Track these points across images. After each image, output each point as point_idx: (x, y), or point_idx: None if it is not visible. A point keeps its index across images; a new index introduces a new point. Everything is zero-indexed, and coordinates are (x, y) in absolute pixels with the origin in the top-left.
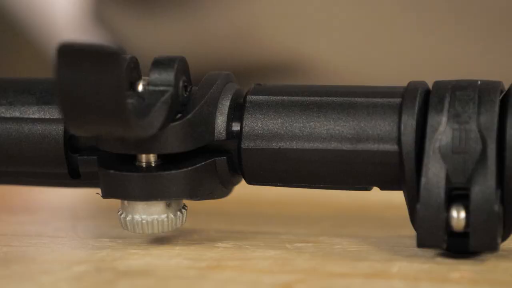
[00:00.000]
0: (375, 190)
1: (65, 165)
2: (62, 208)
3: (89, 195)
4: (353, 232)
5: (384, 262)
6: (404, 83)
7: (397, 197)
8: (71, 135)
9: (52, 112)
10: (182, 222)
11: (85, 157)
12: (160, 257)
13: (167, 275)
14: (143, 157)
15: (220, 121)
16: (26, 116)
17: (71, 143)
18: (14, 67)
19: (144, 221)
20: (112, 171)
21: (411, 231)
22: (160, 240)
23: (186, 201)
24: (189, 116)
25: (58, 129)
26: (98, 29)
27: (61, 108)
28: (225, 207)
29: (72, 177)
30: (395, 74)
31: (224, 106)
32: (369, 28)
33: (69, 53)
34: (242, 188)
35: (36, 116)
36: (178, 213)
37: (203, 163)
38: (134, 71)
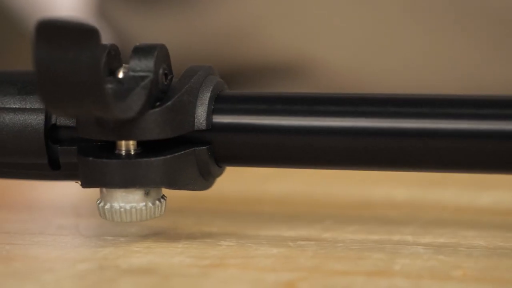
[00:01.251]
0: (377, 187)
1: (45, 155)
2: (65, 206)
3: (92, 193)
4: (355, 230)
5: (387, 260)
6: (405, 85)
7: (400, 194)
8: (52, 125)
9: (33, 102)
10: (160, 211)
11: (65, 147)
12: (162, 255)
13: (169, 273)
14: (123, 145)
15: (201, 110)
16: (7, 106)
17: (52, 134)
18: (15, 64)
19: (122, 209)
20: (91, 158)
21: (413, 229)
22: (163, 238)
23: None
24: (168, 103)
25: (38, 119)
26: (101, 25)
27: (37, 86)
28: (227, 205)
29: (52, 168)
30: (396, 75)
31: (205, 97)
32: (371, 29)
33: (47, 29)
34: (244, 187)
35: (17, 106)
36: (157, 202)
37: (182, 152)
38: (115, 58)
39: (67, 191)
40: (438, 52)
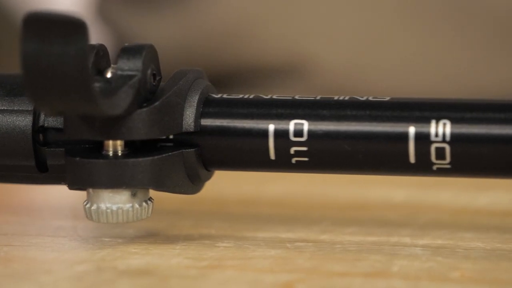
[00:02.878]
0: (375, 189)
1: (32, 157)
2: (63, 208)
3: None
4: (353, 232)
5: (385, 261)
6: (403, 86)
7: (397, 196)
8: (40, 126)
9: (21, 104)
10: (147, 213)
11: (52, 149)
12: (160, 256)
13: (167, 274)
14: (110, 145)
15: (189, 113)
16: None
17: (39, 136)
18: (14, 65)
19: (108, 210)
20: (78, 159)
21: (411, 230)
22: (161, 239)
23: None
24: (156, 103)
25: (26, 120)
26: (101, 25)
27: (24, 80)
28: (225, 207)
29: (40, 170)
30: (392, 76)
31: (193, 99)
32: (367, 29)
33: (35, 22)
34: (242, 188)
35: (5, 108)
36: (144, 203)
37: (169, 153)
38: (103, 58)
39: (64, 193)
40: (434, 52)
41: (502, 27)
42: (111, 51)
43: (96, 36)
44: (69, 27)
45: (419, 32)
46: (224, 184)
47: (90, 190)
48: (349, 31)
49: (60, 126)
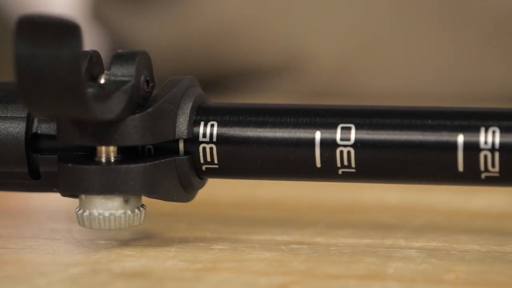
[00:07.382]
0: (370, 191)
1: (25, 164)
2: (58, 211)
3: None
4: (348, 234)
5: (379, 263)
6: (399, 85)
7: (392, 198)
8: (33, 134)
9: (14, 111)
10: (139, 220)
11: (45, 156)
12: (155, 258)
13: (162, 276)
14: (103, 152)
15: (182, 120)
16: None
17: (32, 142)
18: (8, 66)
19: (101, 216)
20: (70, 165)
21: (406, 233)
22: (156, 242)
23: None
24: (149, 110)
25: (19, 127)
26: (96, 27)
27: (17, 83)
28: (220, 209)
29: (32, 177)
30: (386, 74)
31: (186, 106)
32: (362, 28)
33: (28, 25)
34: (237, 191)
35: None
36: (136, 210)
37: (162, 160)
38: (97, 65)
39: (59, 196)
40: (430, 51)
41: (497, 26)
42: (105, 53)
43: (90, 38)
44: (62, 30)
45: (415, 31)
46: (219, 186)
47: (83, 196)
48: (345, 31)
49: (53, 133)
